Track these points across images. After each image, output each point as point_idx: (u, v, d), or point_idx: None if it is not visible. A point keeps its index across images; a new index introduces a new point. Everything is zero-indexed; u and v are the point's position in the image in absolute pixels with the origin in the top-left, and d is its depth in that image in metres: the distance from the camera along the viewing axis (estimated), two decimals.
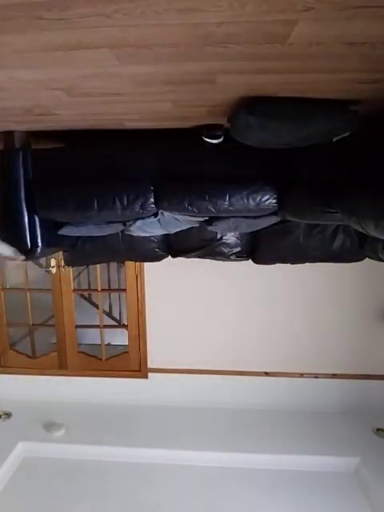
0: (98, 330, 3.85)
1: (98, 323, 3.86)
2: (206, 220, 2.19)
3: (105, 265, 4.04)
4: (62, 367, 3.80)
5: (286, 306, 3.49)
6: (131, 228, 2.24)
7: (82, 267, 4.61)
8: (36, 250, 2.12)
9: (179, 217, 2.14)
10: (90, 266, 4.29)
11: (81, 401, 3.69)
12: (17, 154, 2.02)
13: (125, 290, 3.62)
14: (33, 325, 3.87)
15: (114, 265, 4.34)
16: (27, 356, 3.85)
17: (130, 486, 2.97)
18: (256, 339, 3.57)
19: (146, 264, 3.42)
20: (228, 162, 2.01)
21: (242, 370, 3.60)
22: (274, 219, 2.15)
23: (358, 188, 1.69)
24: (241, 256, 2.50)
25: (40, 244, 2.13)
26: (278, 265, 2.56)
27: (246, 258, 2.53)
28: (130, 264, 3.47)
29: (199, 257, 2.54)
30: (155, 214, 2.12)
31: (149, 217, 2.13)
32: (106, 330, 3.88)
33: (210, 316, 3.57)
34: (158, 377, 3.69)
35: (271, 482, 2.99)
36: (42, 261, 4.12)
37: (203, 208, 1.97)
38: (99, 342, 3.81)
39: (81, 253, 2.56)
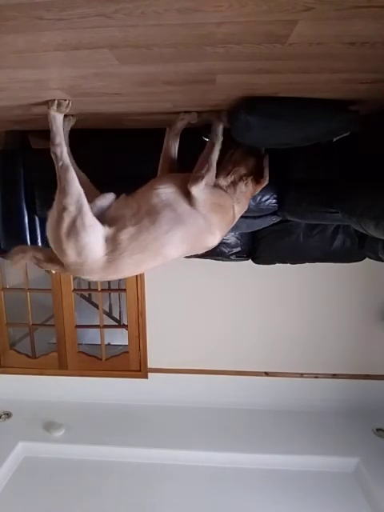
0: (98, 329, 3.85)
1: (98, 323, 3.87)
2: None
3: None
4: (62, 367, 3.80)
5: (286, 306, 3.49)
6: None
7: None
8: None
9: None
10: None
11: (81, 401, 3.69)
12: (17, 154, 2.02)
13: (125, 290, 3.62)
14: (33, 325, 3.87)
15: None
16: (27, 356, 3.85)
17: (130, 486, 2.97)
18: (256, 339, 3.58)
19: None
20: None
21: (242, 370, 3.60)
22: (274, 219, 2.15)
23: (358, 188, 1.69)
24: (241, 256, 2.50)
25: (40, 244, 2.13)
26: (277, 265, 2.56)
27: (246, 258, 2.53)
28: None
29: (199, 257, 2.54)
30: None
31: None
32: (105, 330, 3.89)
33: (210, 316, 3.57)
34: (158, 377, 3.70)
35: (271, 482, 2.99)
36: None
37: None
38: (99, 342, 3.81)
39: None
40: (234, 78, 1.19)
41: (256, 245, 2.44)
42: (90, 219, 1.43)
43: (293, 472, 3.05)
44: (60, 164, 1.43)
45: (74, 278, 3.68)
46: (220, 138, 1.58)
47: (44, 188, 2.03)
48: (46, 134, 2.11)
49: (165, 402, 3.65)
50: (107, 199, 1.55)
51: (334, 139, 1.74)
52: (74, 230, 1.41)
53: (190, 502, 2.82)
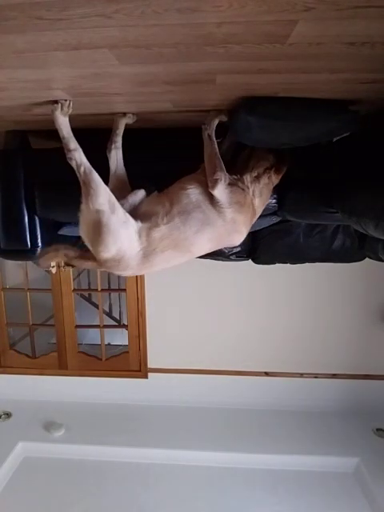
0: (97, 329, 3.85)
1: (98, 323, 3.87)
2: None
3: None
4: (62, 367, 3.80)
5: (286, 306, 3.49)
6: None
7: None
8: (36, 250, 2.12)
9: None
10: None
11: (81, 401, 3.69)
12: (17, 154, 2.02)
13: (125, 290, 3.62)
14: (33, 325, 3.87)
15: None
16: (27, 356, 3.85)
17: (130, 486, 2.97)
18: (256, 339, 3.58)
19: None
20: None
21: (242, 370, 3.60)
22: (274, 219, 2.14)
23: (358, 188, 1.69)
24: (241, 256, 2.50)
25: (40, 244, 2.13)
26: (277, 265, 2.56)
27: (246, 258, 2.52)
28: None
29: (199, 257, 2.54)
30: None
31: None
32: (105, 330, 3.89)
33: (210, 316, 3.57)
34: (158, 377, 3.70)
35: (271, 482, 2.99)
36: None
37: None
38: (99, 342, 3.81)
39: None
40: (233, 78, 1.19)
41: (256, 245, 2.44)
42: (123, 215, 1.48)
43: (293, 472, 3.06)
44: (82, 169, 1.44)
45: (74, 278, 3.68)
46: (214, 129, 1.61)
47: (44, 188, 2.03)
48: (46, 133, 2.11)
49: (165, 402, 3.66)
50: (138, 196, 1.62)
51: (334, 139, 1.74)
52: (110, 227, 1.45)
53: (190, 502, 2.82)
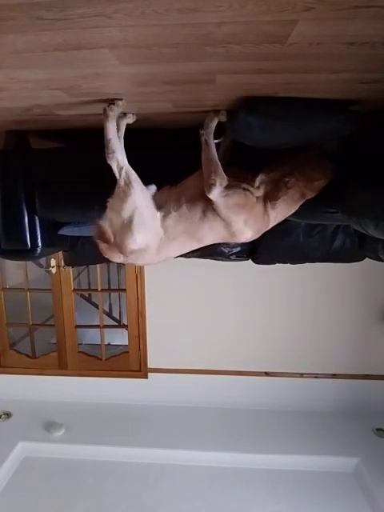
0: (97, 329, 3.85)
1: (98, 323, 3.87)
2: None
3: (105, 265, 4.04)
4: (62, 367, 3.80)
5: (286, 306, 3.49)
6: None
7: (82, 267, 4.61)
8: (36, 250, 2.12)
9: None
10: (90, 266, 4.30)
11: (81, 401, 3.69)
12: (16, 154, 2.02)
13: (125, 289, 3.62)
14: (33, 325, 3.87)
15: (114, 265, 4.34)
16: (27, 356, 3.85)
17: (130, 486, 2.97)
18: (256, 339, 3.58)
19: None
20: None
21: (242, 370, 3.61)
22: None
23: (358, 188, 1.69)
24: (241, 256, 2.50)
25: (40, 244, 2.13)
26: (277, 265, 2.56)
27: (246, 258, 2.52)
28: (130, 264, 3.47)
29: (199, 257, 2.54)
30: None
31: None
32: (105, 330, 3.89)
33: (210, 316, 3.57)
34: (158, 377, 3.70)
35: (271, 482, 2.99)
36: (42, 261, 4.12)
37: None
38: (99, 342, 3.81)
39: (81, 253, 2.56)
40: (234, 78, 1.19)
41: (256, 245, 2.44)
42: (153, 209, 1.59)
43: (293, 472, 3.06)
44: (123, 171, 1.51)
45: (74, 278, 3.68)
46: (211, 133, 1.62)
47: (44, 188, 2.03)
48: (46, 133, 2.11)
49: (165, 402, 3.66)
50: (151, 190, 1.68)
51: (334, 139, 1.74)
52: (143, 222, 1.55)
53: (190, 502, 2.82)
